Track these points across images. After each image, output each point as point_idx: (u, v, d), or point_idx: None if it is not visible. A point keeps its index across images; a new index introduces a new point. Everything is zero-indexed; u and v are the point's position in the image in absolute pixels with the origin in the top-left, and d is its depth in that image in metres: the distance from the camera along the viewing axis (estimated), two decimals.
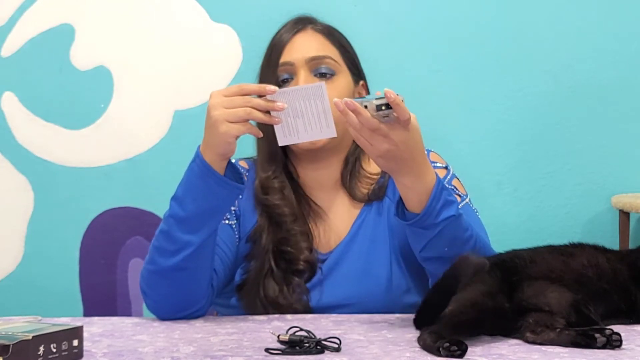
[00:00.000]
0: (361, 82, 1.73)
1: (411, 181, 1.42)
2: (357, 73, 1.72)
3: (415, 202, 1.43)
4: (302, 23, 1.70)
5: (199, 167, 1.47)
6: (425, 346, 1.22)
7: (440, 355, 1.18)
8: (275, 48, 1.67)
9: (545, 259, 1.39)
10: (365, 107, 1.35)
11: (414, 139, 1.38)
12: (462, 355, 1.16)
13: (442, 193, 1.43)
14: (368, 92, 1.74)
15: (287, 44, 1.67)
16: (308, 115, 1.42)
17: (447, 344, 1.17)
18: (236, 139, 1.44)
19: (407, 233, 1.50)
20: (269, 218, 1.65)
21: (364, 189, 1.68)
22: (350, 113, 1.35)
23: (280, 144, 1.47)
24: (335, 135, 1.43)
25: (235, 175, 1.51)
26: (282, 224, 1.64)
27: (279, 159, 1.68)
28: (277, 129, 1.44)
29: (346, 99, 1.37)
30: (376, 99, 1.35)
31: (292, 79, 1.65)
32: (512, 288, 1.32)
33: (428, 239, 1.45)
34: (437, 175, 1.44)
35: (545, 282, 1.33)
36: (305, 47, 1.66)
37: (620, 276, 1.38)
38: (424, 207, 1.42)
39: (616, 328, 1.31)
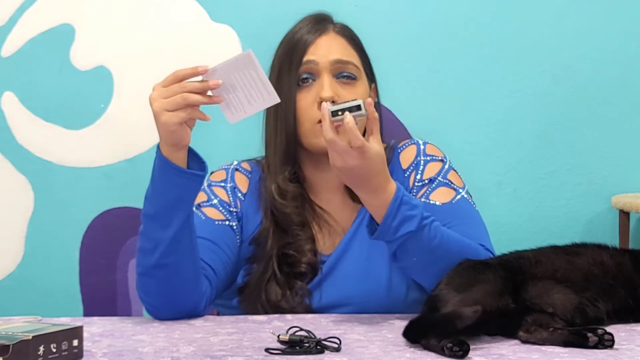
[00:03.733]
0: (372, 85, 1.73)
1: (366, 196, 1.43)
2: (370, 76, 1.72)
3: (375, 216, 1.44)
4: (323, 24, 1.69)
5: (158, 161, 1.47)
6: (429, 345, 1.22)
7: (444, 354, 1.18)
8: (298, 47, 1.65)
9: (551, 258, 1.40)
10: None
11: (370, 166, 1.39)
12: (464, 355, 1.17)
13: (400, 209, 1.42)
14: (375, 94, 1.75)
15: (311, 44, 1.65)
16: (247, 86, 1.40)
17: (450, 344, 1.17)
18: (180, 126, 1.41)
19: None
20: (275, 223, 1.65)
21: None
22: (322, 117, 1.39)
23: (231, 122, 1.44)
24: (278, 100, 1.41)
25: (199, 165, 1.50)
26: (289, 230, 1.64)
27: (293, 160, 1.67)
28: (224, 109, 1.42)
29: (324, 103, 1.40)
30: (345, 102, 1.38)
31: (313, 80, 1.64)
32: (517, 288, 1.32)
33: (392, 252, 1.46)
34: (398, 189, 1.43)
35: (550, 282, 1.34)
36: (330, 49, 1.65)
37: (625, 269, 1.40)
38: (379, 224, 1.43)
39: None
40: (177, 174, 1.46)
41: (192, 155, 1.49)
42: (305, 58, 1.64)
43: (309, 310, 1.60)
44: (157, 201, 1.49)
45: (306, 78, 1.64)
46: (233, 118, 1.43)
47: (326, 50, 1.65)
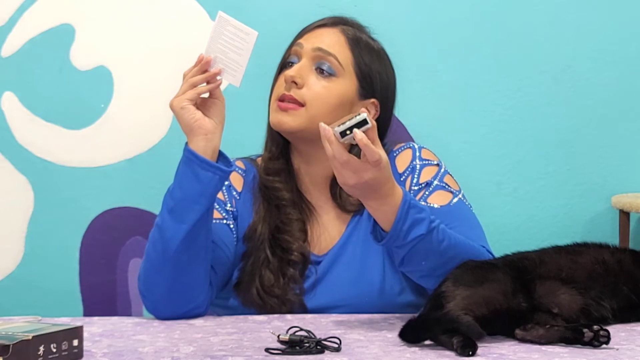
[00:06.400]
0: (372, 100, 1.69)
1: (375, 204, 1.41)
2: (368, 89, 1.69)
3: (383, 222, 1.42)
4: (335, 20, 1.71)
5: (184, 153, 1.53)
6: (440, 341, 1.22)
7: (453, 350, 1.18)
8: (300, 32, 1.71)
9: (554, 258, 1.41)
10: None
11: (383, 175, 1.37)
12: (474, 353, 1.17)
13: (409, 213, 1.41)
14: (378, 112, 1.70)
15: (309, 31, 1.69)
16: (231, 42, 1.52)
17: (461, 343, 1.18)
18: (190, 103, 1.52)
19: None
20: (267, 202, 1.66)
21: (353, 199, 1.66)
22: (326, 140, 1.35)
23: (238, 85, 1.53)
24: (256, 33, 1.52)
25: (225, 164, 1.53)
26: (281, 208, 1.66)
27: (278, 141, 1.69)
28: (226, 77, 1.53)
29: (322, 123, 1.36)
30: (349, 120, 1.33)
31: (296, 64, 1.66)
32: (526, 288, 1.32)
33: (401, 257, 1.45)
34: (405, 193, 1.42)
35: (556, 283, 1.34)
36: (322, 39, 1.67)
37: (625, 266, 1.41)
38: (390, 229, 1.41)
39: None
40: (203, 166, 1.50)
41: (222, 158, 1.55)
42: (297, 40, 1.68)
43: (302, 304, 1.60)
44: (177, 193, 1.51)
45: (291, 62, 1.67)
46: (236, 80, 1.53)
47: (317, 39, 1.67)
